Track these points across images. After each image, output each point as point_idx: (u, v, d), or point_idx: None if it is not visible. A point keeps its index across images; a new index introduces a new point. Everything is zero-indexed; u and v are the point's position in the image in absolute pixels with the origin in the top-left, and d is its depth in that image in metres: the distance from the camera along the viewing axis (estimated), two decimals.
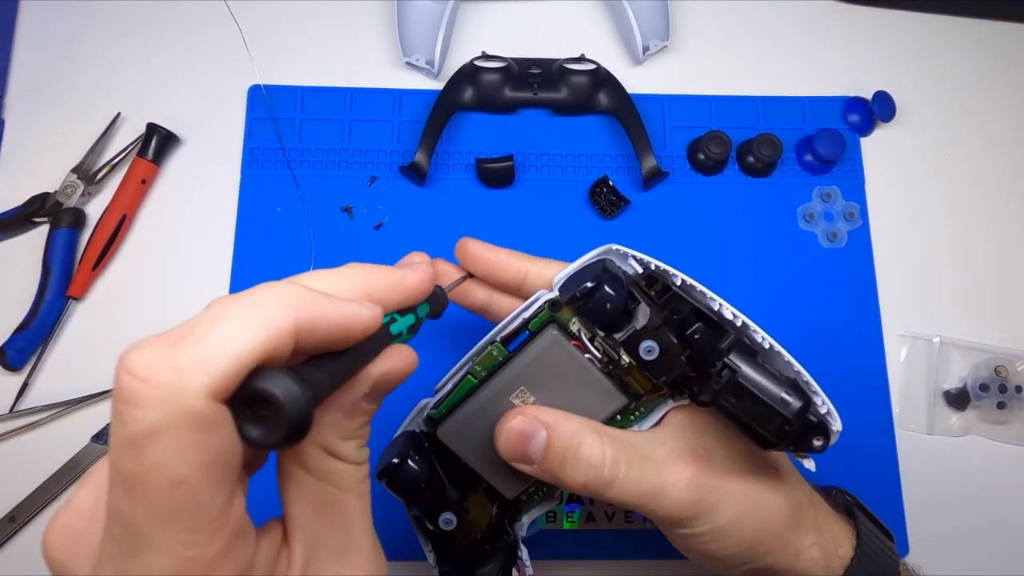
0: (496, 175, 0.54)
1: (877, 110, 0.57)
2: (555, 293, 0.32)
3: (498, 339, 0.33)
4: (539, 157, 0.56)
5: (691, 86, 0.59)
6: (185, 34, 0.58)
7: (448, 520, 0.32)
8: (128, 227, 0.54)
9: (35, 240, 0.53)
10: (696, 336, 0.30)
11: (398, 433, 0.34)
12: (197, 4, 0.59)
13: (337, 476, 0.23)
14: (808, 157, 0.56)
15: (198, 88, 0.57)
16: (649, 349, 0.30)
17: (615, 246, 0.33)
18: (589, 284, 0.30)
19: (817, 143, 0.55)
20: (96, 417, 0.49)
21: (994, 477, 0.52)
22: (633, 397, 0.32)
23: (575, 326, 0.32)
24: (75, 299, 0.52)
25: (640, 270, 0.32)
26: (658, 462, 0.31)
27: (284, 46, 0.58)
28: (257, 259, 0.53)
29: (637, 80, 0.58)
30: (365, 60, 0.58)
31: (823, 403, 0.30)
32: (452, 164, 0.56)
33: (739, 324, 0.30)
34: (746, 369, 0.29)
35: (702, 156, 0.55)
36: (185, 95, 0.57)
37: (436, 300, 0.30)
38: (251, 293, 0.20)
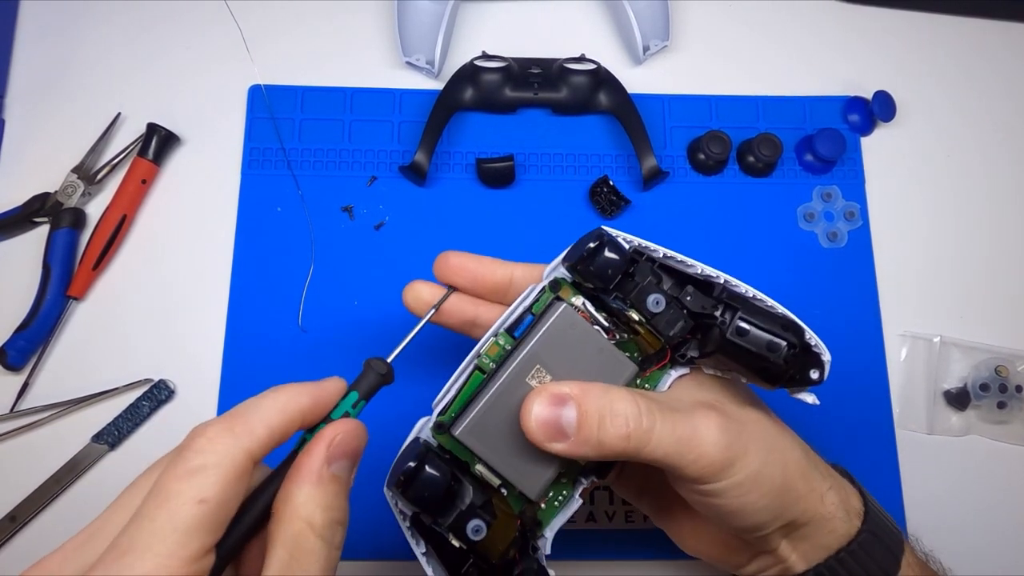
0: (496, 175, 0.54)
1: (877, 110, 0.57)
2: (546, 283, 0.34)
3: (503, 329, 0.33)
4: (539, 157, 0.56)
5: (691, 86, 0.59)
6: (185, 34, 0.58)
7: (478, 528, 0.30)
8: (128, 227, 0.54)
9: (35, 240, 0.53)
10: (689, 297, 0.33)
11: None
12: (197, 4, 0.59)
13: (308, 555, 0.26)
14: (808, 157, 0.56)
15: (198, 88, 0.57)
16: (657, 300, 0.32)
17: (604, 227, 0.34)
18: (592, 244, 0.32)
19: (817, 143, 0.55)
20: (96, 417, 0.49)
21: (994, 477, 0.52)
22: (642, 365, 0.34)
23: (579, 300, 0.34)
24: (75, 299, 0.52)
25: (627, 248, 0.34)
26: (684, 411, 0.32)
27: (284, 46, 0.58)
28: (257, 259, 0.53)
29: (637, 80, 0.58)
30: (365, 60, 0.58)
31: (811, 336, 0.32)
32: (452, 164, 0.56)
33: (722, 281, 0.33)
34: (746, 309, 0.32)
35: (702, 156, 0.55)
36: (185, 95, 0.57)
37: (378, 374, 0.30)
38: (272, 392, 0.27)
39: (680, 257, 0.33)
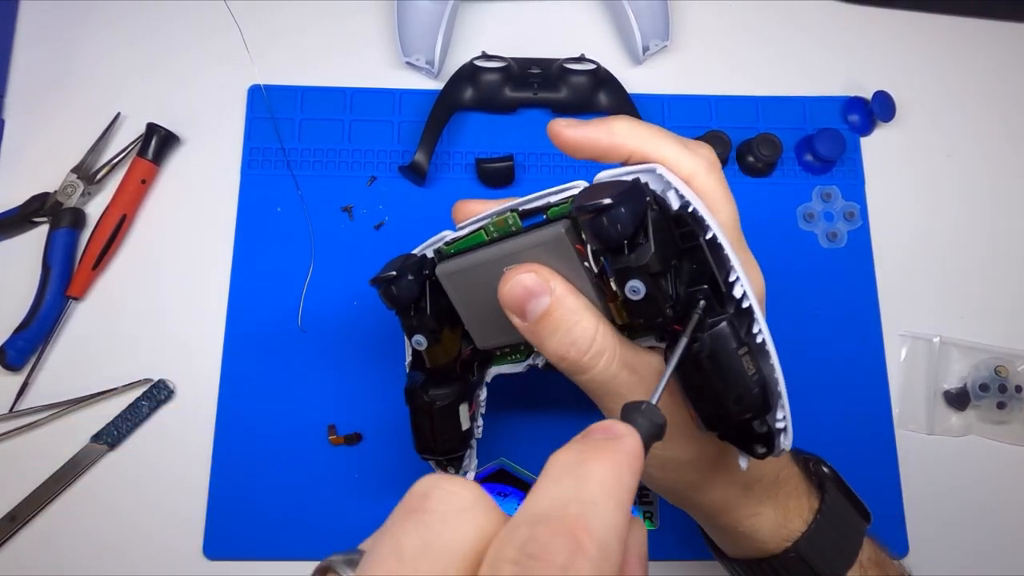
0: (496, 175, 0.54)
1: (877, 110, 0.57)
2: (576, 191, 0.32)
3: (518, 210, 0.32)
4: (539, 157, 0.56)
5: (691, 86, 0.59)
6: (185, 34, 0.58)
7: (419, 342, 0.35)
8: (128, 227, 0.54)
9: (35, 240, 0.53)
10: (697, 297, 0.28)
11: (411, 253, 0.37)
12: (197, 5, 0.59)
13: None
14: (808, 157, 0.56)
15: (198, 88, 0.57)
16: (634, 289, 0.28)
17: (661, 170, 0.30)
18: (605, 201, 0.27)
19: (817, 143, 0.55)
20: (96, 417, 0.49)
21: (994, 477, 0.52)
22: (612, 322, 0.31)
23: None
24: (75, 299, 0.52)
25: (676, 206, 0.29)
26: (639, 374, 0.30)
27: (284, 46, 0.58)
28: (257, 259, 0.53)
29: (637, 80, 0.58)
30: (365, 60, 0.58)
31: (783, 419, 0.28)
32: (452, 164, 0.56)
33: (744, 307, 0.28)
34: (722, 350, 0.27)
35: None
36: (185, 95, 0.57)
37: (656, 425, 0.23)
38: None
39: (727, 252, 0.28)
